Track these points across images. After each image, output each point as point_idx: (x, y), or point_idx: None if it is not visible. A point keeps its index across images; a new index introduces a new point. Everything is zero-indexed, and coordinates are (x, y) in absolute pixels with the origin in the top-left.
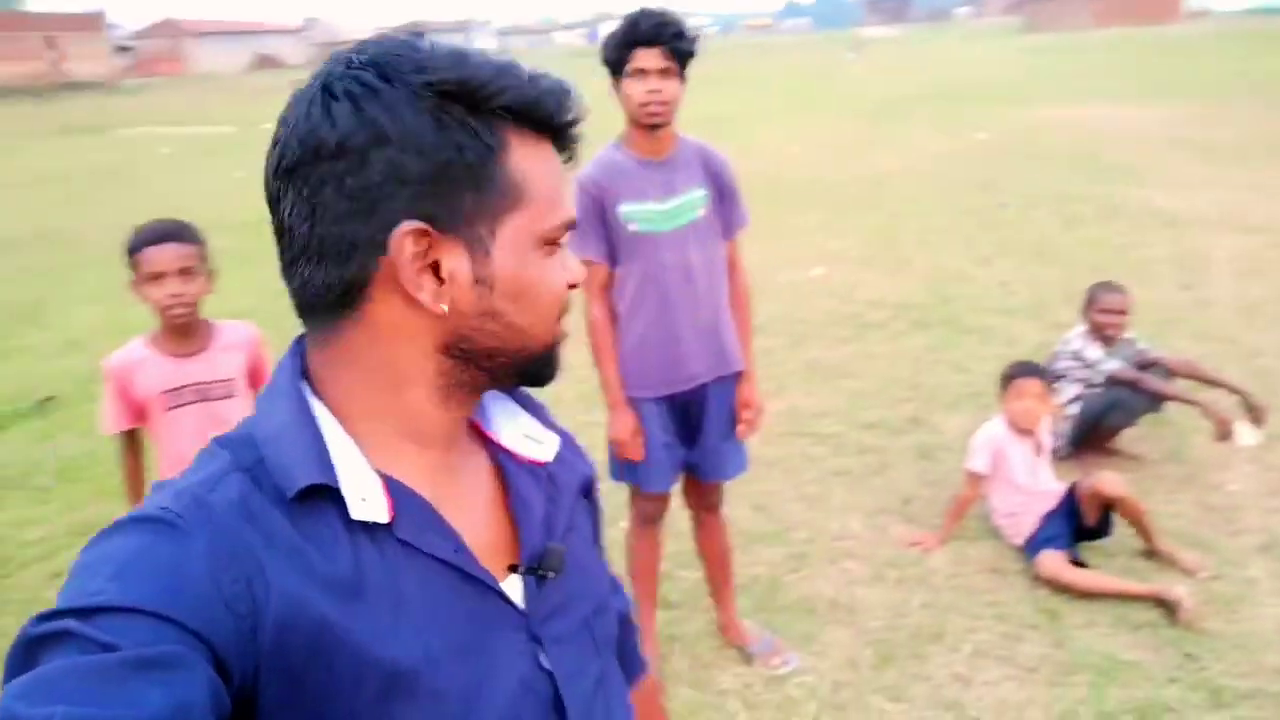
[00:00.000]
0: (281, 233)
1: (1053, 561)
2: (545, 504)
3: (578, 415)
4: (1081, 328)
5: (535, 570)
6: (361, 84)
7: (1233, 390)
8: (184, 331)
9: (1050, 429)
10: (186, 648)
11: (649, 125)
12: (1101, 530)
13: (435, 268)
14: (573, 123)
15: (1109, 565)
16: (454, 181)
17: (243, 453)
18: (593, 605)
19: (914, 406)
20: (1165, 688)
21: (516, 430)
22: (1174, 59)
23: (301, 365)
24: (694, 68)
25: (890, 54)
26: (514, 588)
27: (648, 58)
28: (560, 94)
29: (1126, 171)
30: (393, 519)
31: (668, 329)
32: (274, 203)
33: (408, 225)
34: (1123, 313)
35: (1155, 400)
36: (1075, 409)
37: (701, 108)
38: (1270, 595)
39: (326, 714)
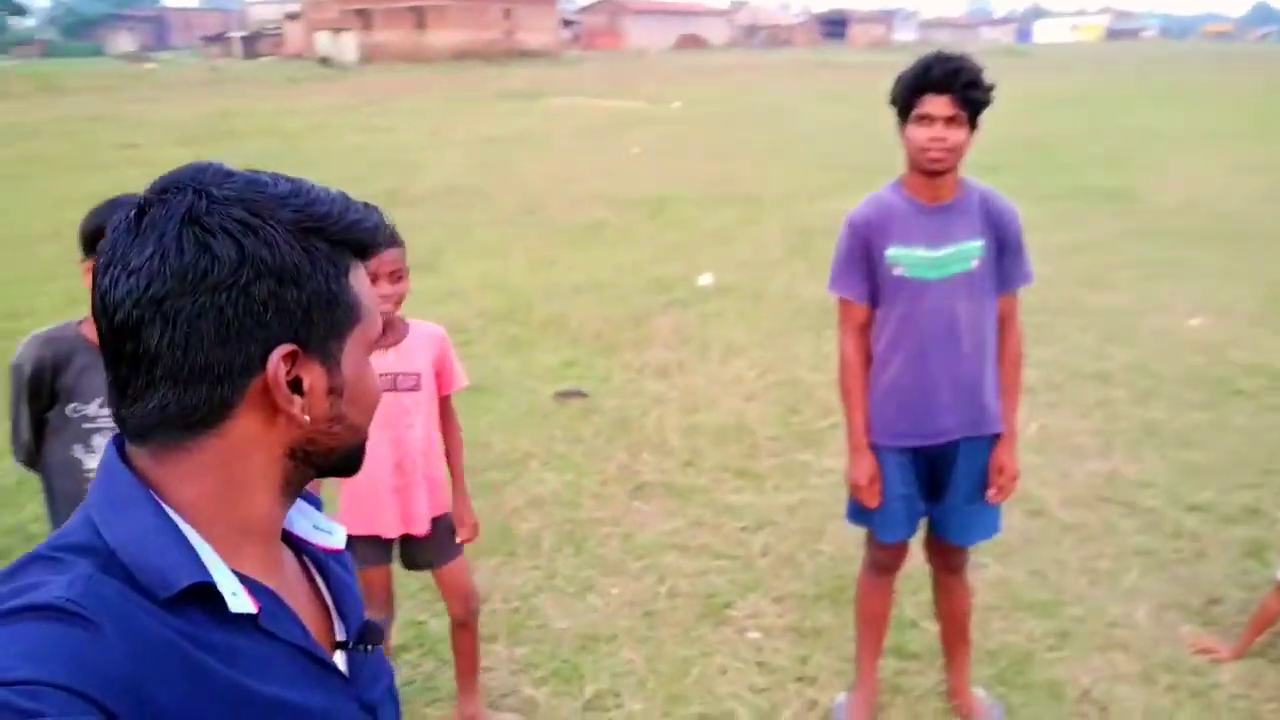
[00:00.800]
0: (137, 359)
1: None
2: (353, 583)
3: (792, 453)
4: None
5: (359, 645)
6: (236, 220)
7: None
8: (384, 327)
9: None
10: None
11: (929, 172)
12: None
13: (297, 383)
14: (377, 243)
15: None
16: (319, 306)
17: (100, 559)
18: (390, 678)
19: (1257, 495)
20: None
21: (307, 523)
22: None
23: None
24: (1129, 73)
25: None
26: (340, 664)
27: (936, 104)
28: (382, 226)
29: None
30: (259, 610)
31: (922, 379)
32: (133, 330)
33: (284, 349)
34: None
35: None
36: None
37: (1128, 119)
38: None
39: None
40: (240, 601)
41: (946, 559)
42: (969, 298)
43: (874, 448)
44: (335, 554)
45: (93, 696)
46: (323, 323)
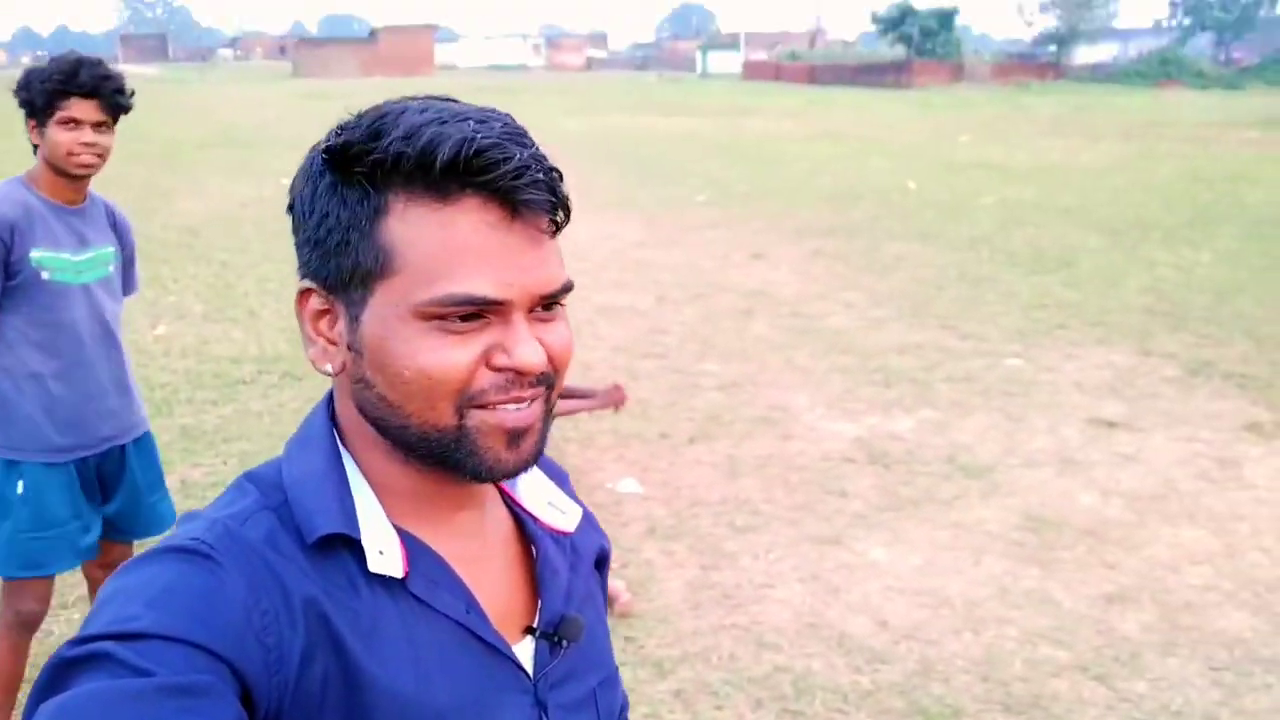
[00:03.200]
0: None
1: None
2: (568, 572)
3: None
4: None
5: (551, 636)
6: (312, 149)
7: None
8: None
9: None
10: (217, 677)
11: (74, 175)
12: None
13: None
14: (492, 171)
15: None
16: (335, 246)
17: (271, 493)
18: (601, 677)
19: None
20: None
21: (541, 497)
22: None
23: (332, 412)
24: None
25: (158, 94)
26: (525, 651)
27: (84, 109)
28: (462, 142)
29: None
30: (407, 574)
31: (87, 386)
32: None
33: (302, 284)
34: None
35: None
36: None
37: None
38: (666, 571)
39: None
40: (385, 562)
41: (118, 563)
42: (112, 301)
43: (25, 467)
44: (562, 535)
45: (211, 648)
46: (345, 266)
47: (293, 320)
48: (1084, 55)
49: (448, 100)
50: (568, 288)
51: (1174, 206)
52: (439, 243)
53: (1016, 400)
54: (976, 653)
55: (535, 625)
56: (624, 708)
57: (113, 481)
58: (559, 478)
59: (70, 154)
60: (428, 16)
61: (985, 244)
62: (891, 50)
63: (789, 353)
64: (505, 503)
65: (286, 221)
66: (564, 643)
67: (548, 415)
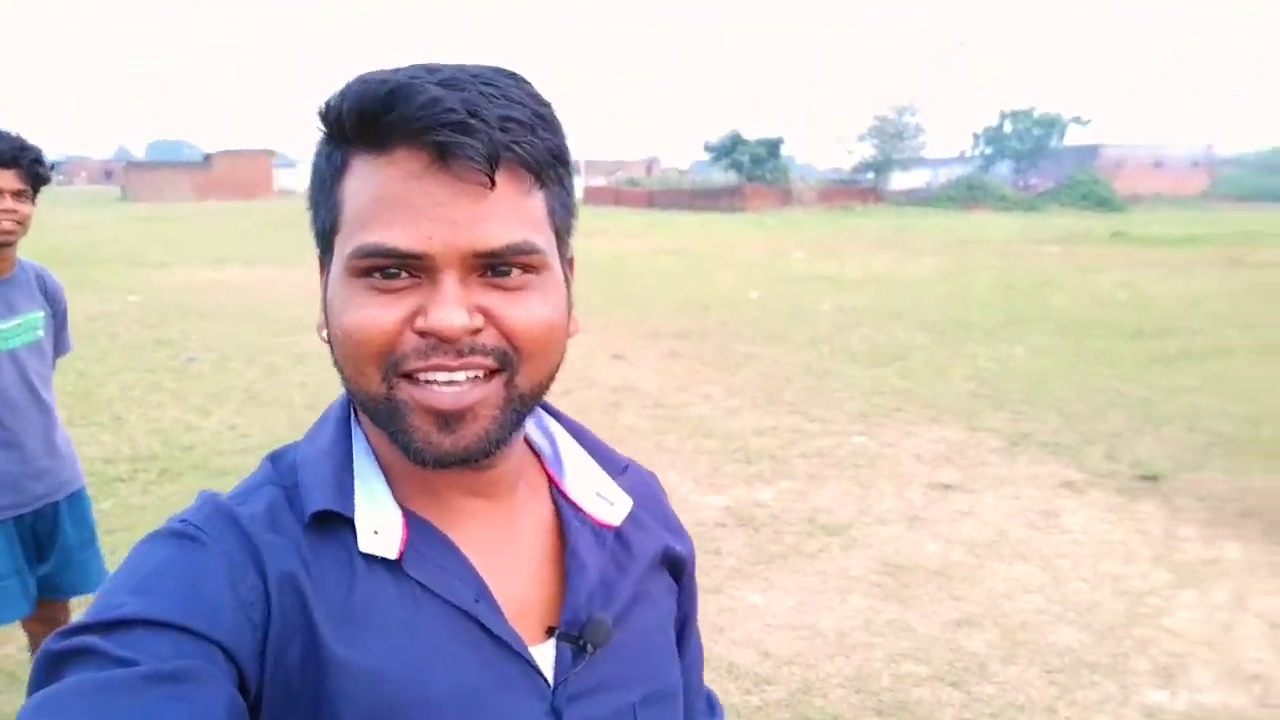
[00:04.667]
0: None
1: None
2: (608, 568)
3: None
4: None
5: (574, 638)
6: None
7: None
8: None
9: None
10: (205, 660)
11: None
12: None
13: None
14: (411, 117)
15: None
16: (313, 206)
17: (285, 472)
18: (645, 692)
19: None
20: None
21: (589, 487)
22: (280, 229)
23: None
24: None
25: None
26: (546, 654)
27: (5, 178)
28: (386, 96)
29: (296, 323)
30: (401, 556)
31: (20, 448)
32: None
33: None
34: None
35: None
36: None
37: None
38: None
39: None
40: (378, 542)
41: (55, 621)
42: (41, 364)
43: None
44: (605, 529)
45: (198, 630)
46: (318, 228)
47: (163, 422)
48: (899, 181)
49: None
50: (518, 249)
51: (990, 310)
52: (368, 193)
53: (865, 470)
54: (849, 672)
55: (557, 626)
56: None
57: (46, 541)
58: (613, 463)
59: None
60: (263, 142)
61: (826, 343)
62: (724, 176)
63: (657, 438)
64: (553, 493)
65: (145, 332)
66: (588, 647)
67: (509, 401)
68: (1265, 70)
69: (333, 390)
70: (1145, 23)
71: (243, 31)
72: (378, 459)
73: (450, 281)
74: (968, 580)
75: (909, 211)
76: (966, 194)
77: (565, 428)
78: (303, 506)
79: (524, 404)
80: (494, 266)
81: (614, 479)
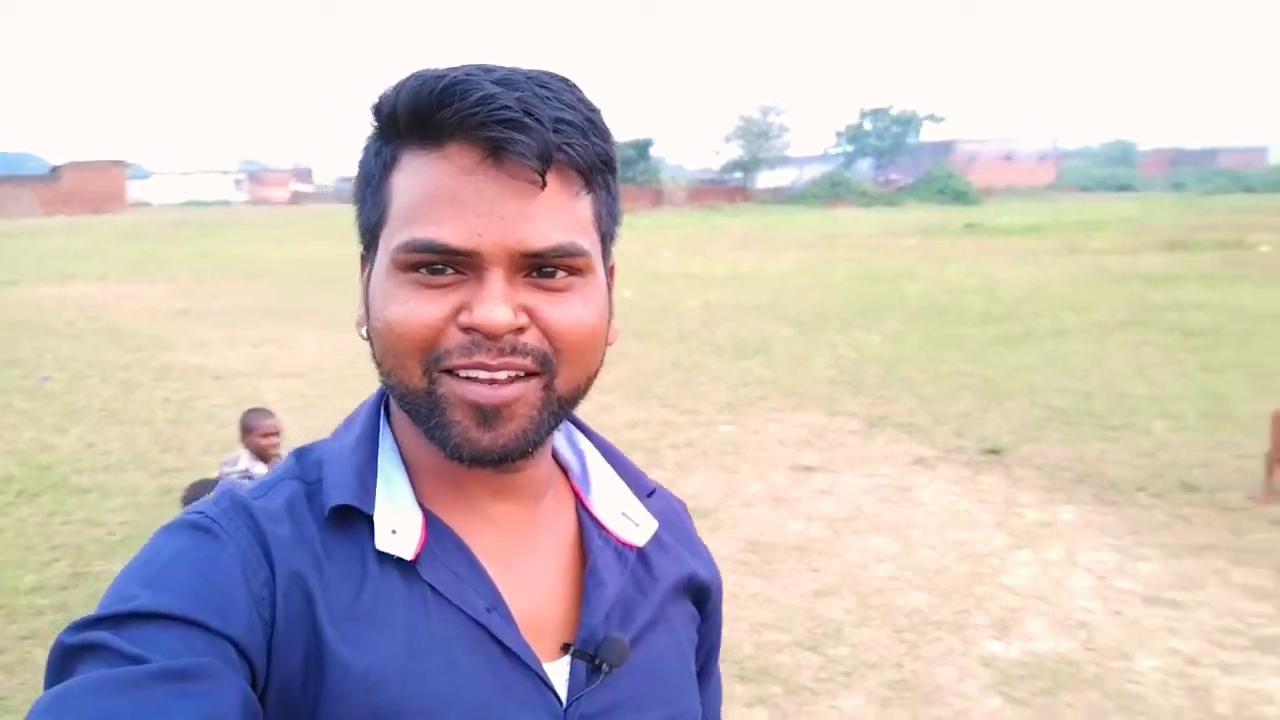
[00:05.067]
0: None
1: None
2: (628, 589)
3: None
4: (243, 451)
5: (589, 656)
6: None
7: None
8: None
9: None
10: (217, 657)
11: None
12: None
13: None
14: (463, 112)
15: None
16: (361, 200)
17: (309, 467)
18: (662, 716)
19: (67, 562)
20: None
21: (615, 505)
22: (135, 243)
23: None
24: None
25: None
26: (560, 671)
27: None
28: (441, 91)
29: (152, 339)
30: (417, 558)
31: None
32: None
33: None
34: (277, 434)
35: None
36: None
37: None
38: None
39: None
40: (395, 541)
41: None
42: None
43: None
44: (627, 549)
45: (210, 625)
46: (363, 222)
47: (18, 443)
48: (766, 180)
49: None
50: (565, 251)
51: (849, 301)
52: (419, 188)
53: (731, 457)
54: None
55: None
56: None
57: None
58: (641, 484)
59: None
60: (115, 153)
61: (694, 338)
62: None
63: None
64: (579, 509)
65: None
66: (603, 666)
67: (547, 403)
68: (1108, 65)
69: (196, 405)
70: (995, 19)
71: (92, 36)
72: (404, 458)
73: (496, 279)
74: (826, 553)
75: (775, 209)
76: (830, 191)
77: (596, 445)
78: (323, 502)
79: (561, 407)
80: (540, 267)
81: (641, 500)
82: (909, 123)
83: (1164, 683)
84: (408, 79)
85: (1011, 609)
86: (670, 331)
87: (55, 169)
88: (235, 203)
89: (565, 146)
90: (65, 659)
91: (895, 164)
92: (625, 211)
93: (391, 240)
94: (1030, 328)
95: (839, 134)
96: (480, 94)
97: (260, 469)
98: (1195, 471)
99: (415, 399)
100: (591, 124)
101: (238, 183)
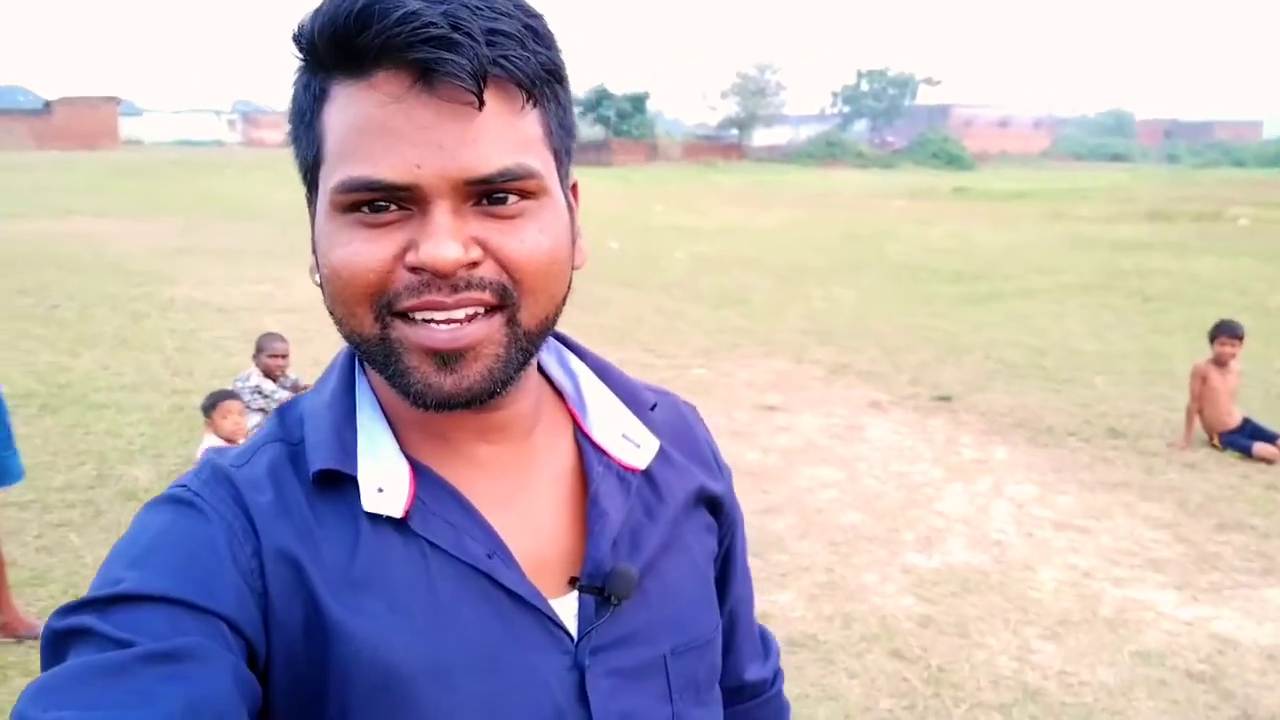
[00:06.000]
0: None
1: None
2: (634, 514)
3: None
4: (255, 369)
5: (597, 590)
6: None
7: None
8: None
9: None
10: (205, 636)
11: None
12: None
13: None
14: (386, 33)
15: None
16: (294, 140)
17: (292, 425)
18: (677, 642)
19: (92, 465)
20: None
21: (614, 427)
22: (127, 180)
23: None
24: None
25: None
26: (568, 606)
27: None
28: (359, 13)
29: (156, 274)
30: (407, 514)
31: None
32: None
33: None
34: (285, 357)
35: None
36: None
37: None
38: None
39: (318, 704)
40: (383, 500)
41: None
42: None
43: None
44: (632, 472)
45: (198, 603)
46: (300, 162)
47: (37, 365)
48: (762, 138)
49: None
50: (513, 174)
51: (830, 256)
52: (349, 121)
53: (700, 397)
54: None
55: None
56: (766, 681)
57: None
58: (638, 401)
59: None
60: (107, 89)
61: (678, 287)
62: (591, 131)
63: None
64: (578, 437)
65: (2, 281)
66: (612, 599)
67: (513, 339)
68: (1107, 35)
69: (202, 335)
70: None
71: None
72: (383, 407)
73: (442, 212)
74: (777, 479)
75: (770, 168)
76: (825, 151)
77: (589, 365)
78: (309, 464)
79: (530, 341)
80: (488, 194)
81: (641, 418)
82: (905, 85)
83: (1058, 590)
84: (324, 3)
85: (937, 529)
86: (655, 281)
87: (48, 104)
88: (229, 143)
89: (501, 60)
90: (55, 644)
91: (891, 126)
92: (620, 165)
93: (328, 180)
94: (998, 288)
95: (835, 94)
96: (401, 11)
97: (269, 385)
98: (1125, 420)
99: (370, 346)
100: (531, 31)
101: (231, 123)
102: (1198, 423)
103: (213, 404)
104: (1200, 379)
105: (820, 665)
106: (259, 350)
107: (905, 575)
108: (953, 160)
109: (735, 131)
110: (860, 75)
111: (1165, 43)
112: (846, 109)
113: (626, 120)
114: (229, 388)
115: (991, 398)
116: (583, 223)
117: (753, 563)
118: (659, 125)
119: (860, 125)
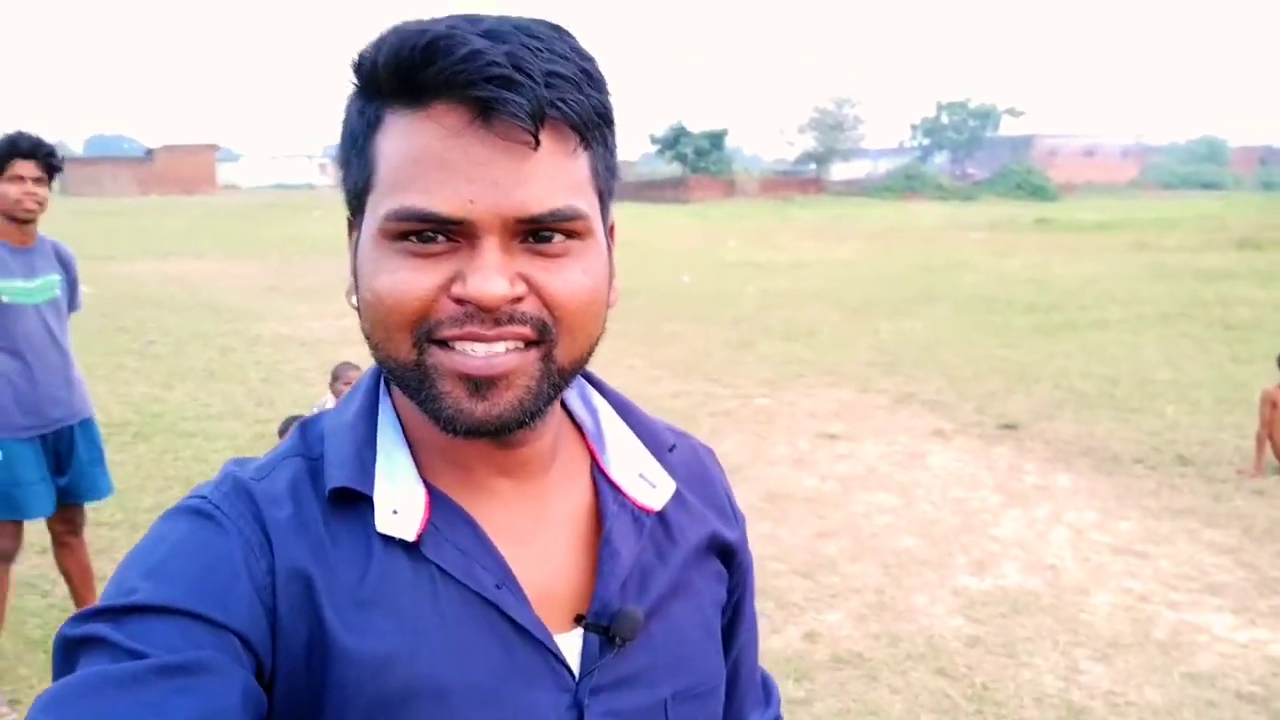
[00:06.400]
0: None
1: None
2: (646, 556)
3: None
4: (329, 396)
5: (602, 629)
6: None
7: None
8: None
9: None
10: (217, 649)
11: (21, 220)
12: None
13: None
14: (449, 70)
15: None
16: (345, 164)
17: (313, 442)
18: (679, 687)
19: (179, 489)
20: None
21: (631, 466)
22: (222, 223)
23: None
24: None
25: None
26: (573, 643)
27: (26, 167)
28: (425, 48)
29: (246, 311)
30: (419, 538)
31: (37, 380)
32: None
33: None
34: None
35: None
36: None
37: None
38: None
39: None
40: (396, 522)
41: (73, 522)
42: (58, 317)
43: (2, 442)
44: (647, 513)
45: (212, 617)
46: (349, 187)
47: (132, 396)
48: (840, 172)
49: (502, 18)
50: (562, 215)
51: (901, 289)
52: (405, 151)
53: (763, 425)
54: None
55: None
56: None
57: (66, 457)
58: (657, 441)
59: (17, 202)
60: (206, 136)
61: (747, 322)
62: (669, 168)
63: None
64: (595, 473)
65: (103, 320)
66: (616, 639)
67: (546, 374)
68: (1193, 63)
69: (284, 368)
70: (1079, 13)
71: (182, 23)
72: (405, 432)
73: (491, 248)
74: (834, 505)
75: (848, 202)
76: (904, 184)
77: (611, 402)
78: (325, 481)
79: (562, 377)
80: (536, 232)
81: (660, 458)
82: (987, 116)
83: (1111, 613)
84: (388, 34)
85: (991, 553)
86: (725, 316)
87: (149, 151)
88: (319, 186)
89: (559, 102)
90: (67, 652)
91: (972, 158)
92: (697, 201)
93: (379, 207)
94: (1072, 319)
95: (914, 127)
96: (466, 50)
97: None
98: (1195, 448)
99: (404, 371)
100: (586, 75)
101: (322, 166)
102: (1269, 450)
103: (286, 429)
104: (1270, 404)
105: (863, 682)
106: (335, 378)
107: (955, 597)
108: (1036, 191)
109: (813, 166)
110: (940, 107)
111: (1261, 68)
112: (926, 141)
113: (704, 157)
114: (306, 414)
115: (1058, 426)
116: (658, 257)
117: (802, 584)
118: (737, 161)
119: (941, 157)
